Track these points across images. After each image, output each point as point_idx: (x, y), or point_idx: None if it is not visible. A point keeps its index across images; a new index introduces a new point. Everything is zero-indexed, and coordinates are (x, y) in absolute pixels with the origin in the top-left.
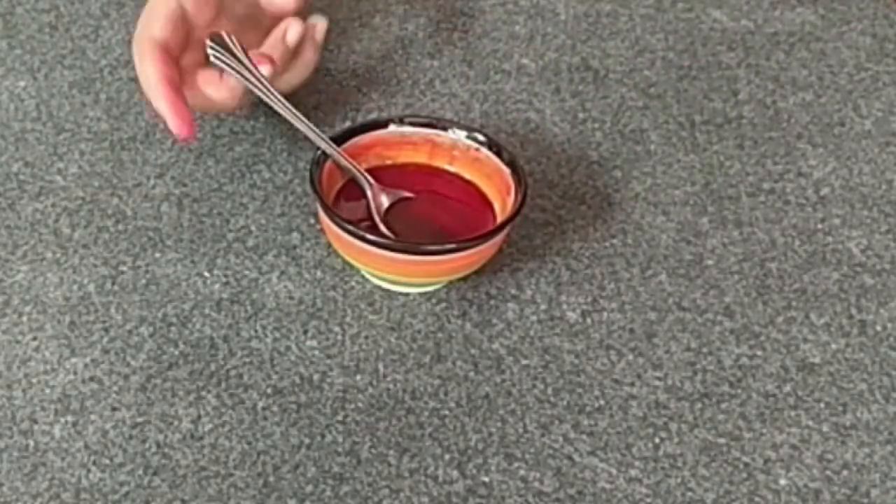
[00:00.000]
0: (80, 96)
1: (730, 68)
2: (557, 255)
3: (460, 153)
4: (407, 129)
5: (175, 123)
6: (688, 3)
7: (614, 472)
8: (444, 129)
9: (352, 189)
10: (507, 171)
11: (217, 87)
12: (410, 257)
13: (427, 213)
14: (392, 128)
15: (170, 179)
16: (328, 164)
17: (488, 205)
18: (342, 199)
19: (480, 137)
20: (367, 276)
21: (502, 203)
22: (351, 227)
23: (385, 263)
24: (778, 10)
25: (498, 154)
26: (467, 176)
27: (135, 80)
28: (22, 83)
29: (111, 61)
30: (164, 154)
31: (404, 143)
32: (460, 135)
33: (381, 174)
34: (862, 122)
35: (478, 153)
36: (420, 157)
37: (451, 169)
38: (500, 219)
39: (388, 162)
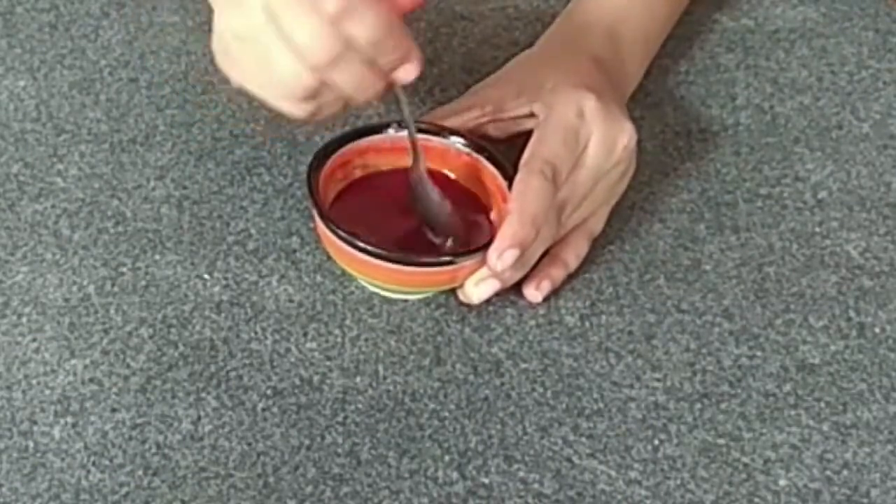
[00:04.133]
0: (80, 97)
1: (728, 70)
2: None
3: (453, 158)
4: (400, 134)
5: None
6: (688, 6)
7: (614, 473)
8: (440, 135)
9: (351, 194)
10: (501, 178)
11: None
12: (404, 268)
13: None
14: (388, 133)
15: (170, 182)
16: (325, 170)
17: (483, 210)
18: (340, 203)
19: (475, 144)
20: (364, 283)
21: (497, 209)
22: (345, 235)
23: (379, 273)
24: (779, 9)
25: (492, 161)
26: (460, 183)
27: (135, 80)
28: (21, 83)
29: (111, 62)
30: (165, 156)
31: (395, 149)
32: (455, 141)
33: (373, 179)
34: (860, 126)
35: (469, 158)
36: (410, 163)
37: (445, 176)
38: (496, 225)
39: (384, 167)
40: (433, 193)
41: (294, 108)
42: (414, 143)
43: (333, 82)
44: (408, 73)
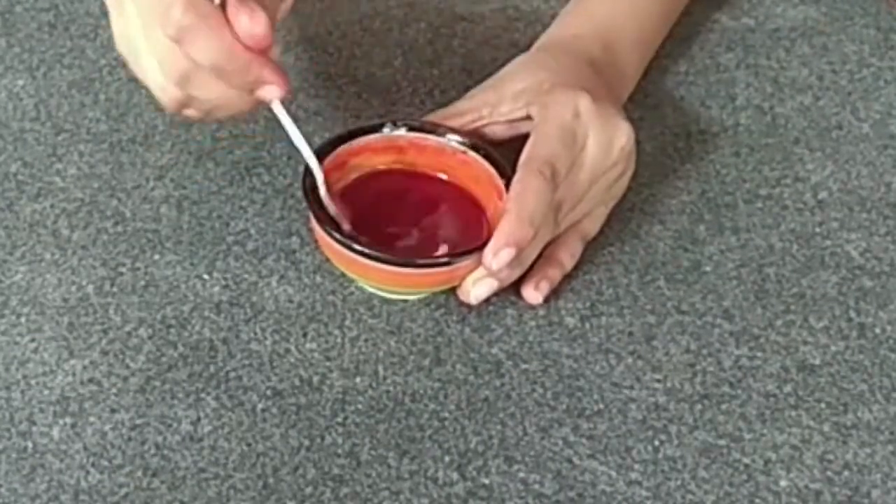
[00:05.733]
0: (79, 96)
1: (728, 70)
2: None
3: (449, 157)
4: (396, 132)
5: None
6: (687, 7)
7: (614, 474)
8: (436, 133)
9: (346, 195)
10: (497, 176)
11: (252, 17)
12: (401, 269)
13: (415, 221)
14: (383, 132)
15: (169, 182)
16: (321, 170)
17: (479, 209)
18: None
19: (471, 142)
20: (362, 285)
21: (494, 208)
22: (342, 238)
23: (376, 274)
24: (780, 7)
25: (488, 159)
26: (456, 181)
27: (134, 80)
28: (20, 82)
29: (111, 61)
30: (164, 156)
31: (390, 148)
32: (451, 139)
33: (369, 180)
34: (860, 126)
35: (465, 156)
36: (406, 162)
37: (441, 175)
38: (492, 224)
39: (379, 167)
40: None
41: (178, 113)
42: (309, 160)
43: (195, 96)
44: (269, 93)
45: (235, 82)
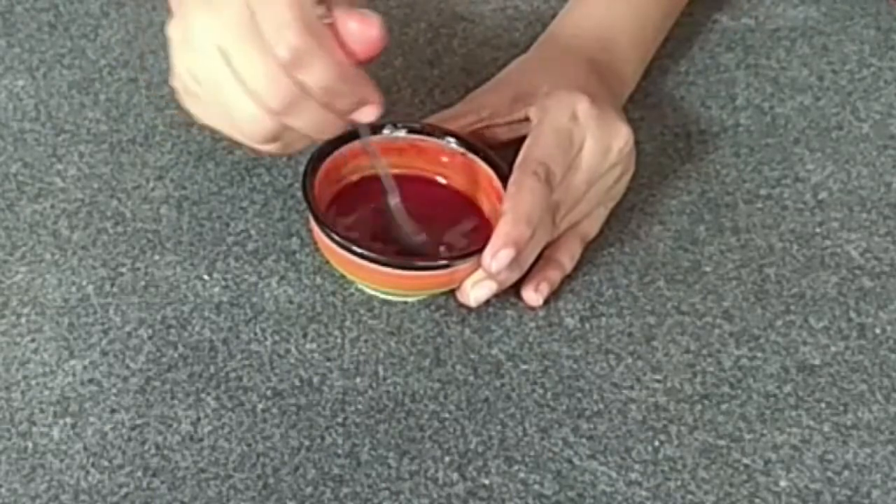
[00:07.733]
0: (79, 97)
1: (728, 70)
2: None
3: (448, 159)
4: (396, 134)
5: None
6: (688, 7)
7: (614, 475)
8: (435, 135)
9: (345, 200)
10: (496, 179)
11: (363, 20)
12: (400, 272)
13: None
14: (383, 133)
15: (169, 182)
16: (321, 172)
17: (478, 211)
18: (335, 209)
19: (470, 145)
20: (361, 287)
21: (493, 210)
22: (341, 240)
23: (375, 276)
24: (780, 7)
25: (488, 161)
26: (455, 183)
27: (135, 80)
28: (20, 83)
29: (111, 61)
30: (164, 156)
31: (390, 149)
32: (450, 141)
33: (370, 181)
34: (860, 126)
35: (464, 158)
36: (405, 163)
37: (440, 177)
38: (491, 226)
39: (375, 170)
40: (407, 226)
41: (260, 147)
42: (385, 176)
43: (292, 125)
44: (367, 114)
45: (340, 105)
